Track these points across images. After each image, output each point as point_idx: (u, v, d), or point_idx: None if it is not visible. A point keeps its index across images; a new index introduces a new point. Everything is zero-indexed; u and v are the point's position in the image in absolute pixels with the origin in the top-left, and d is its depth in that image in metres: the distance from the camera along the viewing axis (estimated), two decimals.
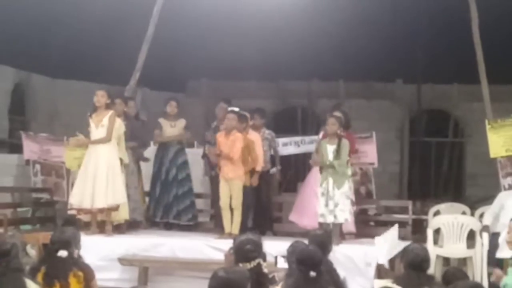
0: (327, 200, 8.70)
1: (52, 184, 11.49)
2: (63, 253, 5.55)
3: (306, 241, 5.79)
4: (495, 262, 7.70)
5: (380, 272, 8.14)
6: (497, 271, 6.02)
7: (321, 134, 9.73)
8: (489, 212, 8.98)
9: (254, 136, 9.58)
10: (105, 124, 8.92)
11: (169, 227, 10.23)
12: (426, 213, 10.64)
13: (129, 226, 9.58)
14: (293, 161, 14.74)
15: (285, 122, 16.03)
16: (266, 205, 10.08)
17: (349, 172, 9.00)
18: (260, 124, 10.12)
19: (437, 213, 10.13)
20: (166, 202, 10.16)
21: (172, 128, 10.19)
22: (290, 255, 5.19)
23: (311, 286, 4.69)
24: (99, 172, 8.84)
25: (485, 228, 8.80)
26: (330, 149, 8.84)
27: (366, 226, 10.55)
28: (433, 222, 9.38)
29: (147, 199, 10.31)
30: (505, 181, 9.80)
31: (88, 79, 13.93)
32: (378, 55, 13.64)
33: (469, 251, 8.96)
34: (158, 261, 8.56)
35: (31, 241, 9.32)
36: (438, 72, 14.58)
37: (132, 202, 9.40)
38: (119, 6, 11.79)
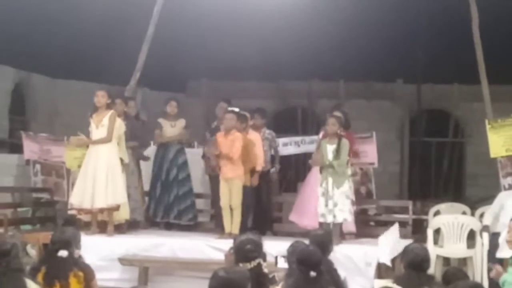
0: (326, 200, 8.70)
1: (52, 184, 11.49)
2: (63, 253, 5.56)
3: (306, 241, 5.79)
4: (495, 262, 7.70)
5: (380, 272, 8.14)
6: (497, 266, 6.01)
7: (321, 134, 9.74)
8: (489, 212, 8.97)
9: (254, 136, 9.58)
10: (106, 124, 8.92)
11: (169, 227, 10.23)
12: (426, 213, 10.63)
13: (129, 226, 9.59)
14: (293, 161, 14.75)
15: (285, 122, 16.03)
16: (266, 205, 10.08)
17: (349, 171, 9.01)
18: (261, 124, 10.12)
19: (437, 213, 10.13)
20: (166, 202, 10.16)
21: (172, 128, 10.19)
22: (290, 255, 5.19)
23: (311, 286, 4.69)
24: (99, 172, 8.84)
25: (485, 228, 8.80)
26: (330, 149, 8.84)
27: (366, 226, 10.56)
28: (433, 222, 9.38)
29: (146, 199, 10.31)
30: (505, 181, 9.80)
31: (88, 79, 13.93)
32: (378, 55, 13.64)
33: (469, 251, 8.96)
34: (158, 261, 8.56)
35: (31, 241, 9.33)
36: (438, 72, 14.57)
37: (132, 202, 9.41)
38: (119, 6, 11.78)
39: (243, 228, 8.79)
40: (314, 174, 9.26)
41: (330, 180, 8.74)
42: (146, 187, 10.31)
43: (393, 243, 8.22)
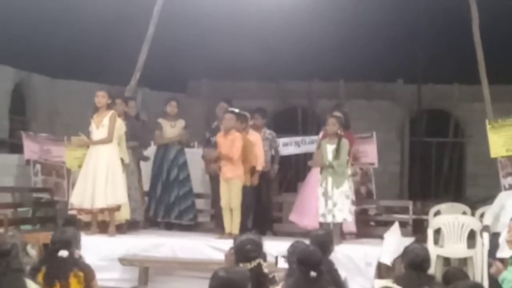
0: (326, 200, 8.71)
1: (52, 184, 11.48)
2: (63, 253, 5.56)
3: (306, 241, 5.79)
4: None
5: (381, 272, 8.14)
6: (498, 263, 6.01)
7: (321, 134, 9.74)
8: (489, 212, 8.97)
9: (255, 136, 9.58)
10: (106, 124, 8.92)
11: (169, 227, 10.24)
12: (426, 213, 10.63)
13: (130, 226, 9.59)
14: (293, 161, 14.74)
15: (285, 122, 16.03)
16: (266, 205, 10.08)
17: (349, 171, 9.01)
18: (261, 124, 10.12)
19: (437, 213, 10.12)
20: (167, 202, 10.17)
21: (172, 129, 10.20)
22: (291, 255, 5.19)
23: (311, 286, 4.69)
24: (99, 173, 8.84)
25: (485, 228, 8.79)
26: (329, 148, 8.85)
27: (367, 226, 10.56)
28: (434, 222, 9.37)
29: (146, 199, 10.31)
30: (505, 181, 9.80)
31: (88, 79, 13.93)
32: (379, 55, 13.63)
33: (469, 251, 8.95)
34: (159, 261, 8.56)
35: (31, 241, 9.33)
36: (439, 72, 14.57)
37: (132, 202, 9.41)
38: (119, 6, 11.78)
39: (243, 228, 8.79)
40: (314, 174, 9.26)
41: (329, 180, 8.75)
42: (146, 187, 10.32)
43: (396, 242, 8.21)
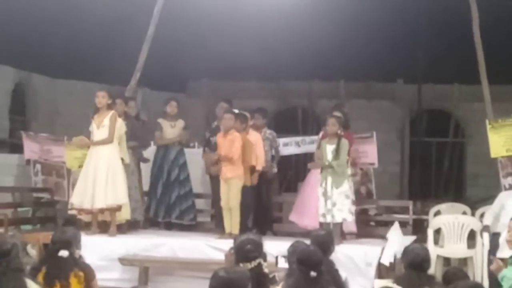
0: (326, 200, 8.71)
1: (52, 184, 11.48)
2: (64, 253, 5.56)
3: (307, 241, 5.78)
4: None
5: (381, 272, 8.14)
6: (498, 260, 6.02)
7: (320, 134, 9.74)
8: (489, 212, 8.97)
9: (255, 136, 9.58)
10: (107, 125, 8.92)
11: (169, 227, 10.24)
12: (426, 213, 10.63)
13: (130, 226, 9.58)
14: (293, 161, 14.74)
15: (285, 122, 16.03)
16: (266, 205, 10.08)
17: (349, 171, 9.01)
18: (262, 124, 10.12)
19: (437, 213, 10.12)
20: (168, 202, 10.17)
21: (172, 129, 10.21)
22: (291, 255, 5.19)
23: (311, 286, 4.69)
24: (99, 173, 8.84)
25: (485, 228, 8.79)
26: (329, 149, 8.86)
27: (367, 226, 10.55)
28: (434, 222, 9.37)
29: (145, 199, 10.31)
30: (505, 181, 9.79)
31: (88, 79, 13.94)
32: (379, 55, 13.64)
33: (469, 251, 8.95)
34: (159, 261, 8.56)
35: (31, 241, 9.33)
36: (439, 72, 14.57)
37: (132, 202, 9.40)
38: (120, 6, 11.78)
39: (243, 228, 8.79)
40: (314, 174, 9.26)
41: (329, 180, 8.75)
42: (145, 187, 10.32)
43: (398, 243, 8.21)
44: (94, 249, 8.19)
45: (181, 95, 13.74)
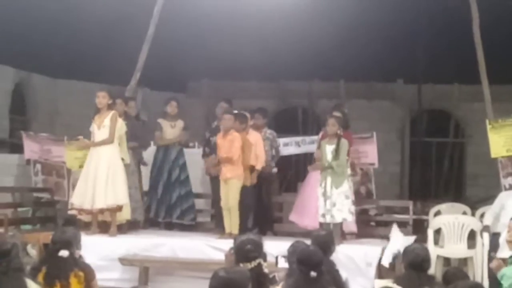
0: (325, 200, 8.71)
1: (52, 184, 11.48)
2: (64, 253, 5.56)
3: (307, 241, 5.78)
4: None
5: (381, 272, 8.14)
6: (498, 258, 6.02)
7: (320, 135, 9.74)
8: (489, 212, 8.97)
9: (255, 136, 9.58)
10: (107, 125, 8.92)
11: (170, 227, 10.24)
12: (426, 213, 10.63)
13: (130, 226, 9.59)
14: (293, 161, 14.74)
15: (285, 122, 16.02)
16: (267, 205, 10.08)
17: (348, 171, 9.01)
18: (262, 123, 10.12)
19: (437, 213, 10.12)
20: (168, 202, 10.18)
21: (172, 129, 10.21)
22: (291, 255, 5.18)
23: (311, 286, 4.69)
24: (99, 173, 8.84)
25: (485, 228, 8.79)
26: (329, 149, 8.86)
27: (367, 226, 10.55)
28: (434, 222, 9.38)
29: (145, 199, 10.31)
30: (505, 181, 9.79)
31: (88, 79, 13.94)
32: (379, 55, 13.63)
33: (469, 251, 8.95)
34: (159, 261, 8.56)
35: (31, 241, 9.34)
36: (439, 72, 14.57)
37: (133, 202, 9.40)
38: (120, 6, 11.78)
39: (244, 228, 8.80)
40: (314, 174, 9.26)
41: (329, 180, 8.75)
42: (145, 187, 10.32)
43: (400, 244, 8.20)
44: (94, 249, 8.19)
45: (181, 95, 13.74)
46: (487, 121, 9.90)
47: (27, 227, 10.45)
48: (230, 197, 9.01)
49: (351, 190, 8.92)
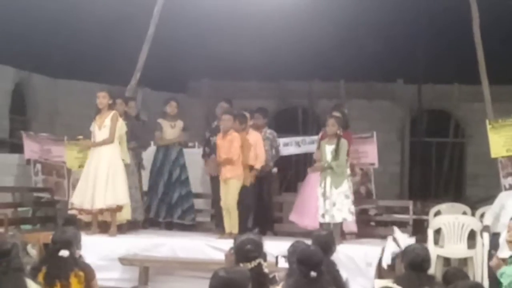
0: (325, 200, 8.71)
1: (53, 184, 11.49)
2: (64, 253, 5.56)
3: (307, 241, 5.78)
4: None
5: (381, 272, 8.14)
6: (498, 256, 6.03)
7: (320, 135, 9.74)
8: (489, 212, 8.97)
9: (255, 136, 9.58)
10: (108, 125, 8.92)
11: (170, 227, 10.24)
12: (426, 213, 10.63)
13: (130, 226, 9.59)
14: (294, 161, 14.74)
15: (285, 122, 16.03)
16: (267, 205, 10.09)
17: (348, 171, 9.01)
18: (263, 123, 10.12)
19: (437, 213, 10.12)
20: (169, 202, 10.19)
21: (172, 129, 10.22)
22: (291, 255, 5.18)
23: (311, 286, 4.69)
24: (99, 173, 8.84)
25: (485, 228, 8.79)
26: (328, 149, 8.86)
27: (367, 226, 10.55)
28: (434, 222, 9.38)
29: (145, 199, 10.31)
30: (505, 181, 9.79)
31: (88, 79, 13.94)
32: (379, 55, 13.64)
33: (469, 251, 8.95)
34: (159, 261, 8.56)
35: (31, 240, 9.33)
36: (439, 72, 14.57)
37: (133, 202, 9.40)
38: (120, 6, 11.78)
39: (244, 228, 8.80)
40: (314, 174, 9.25)
41: (328, 180, 8.75)
42: (144, 187, 10.31)
43: (403, 243, 8.20)
44: (94, 249, 8.19)
45: (181, 95, 13.74)
46: (487, 121, 9.90)
47: (27, 227, 10.45)
48: (229, 196, 9.02)
49: (350, 190, 8.92)
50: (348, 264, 7.93)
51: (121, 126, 9.06)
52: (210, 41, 13.48)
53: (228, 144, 9.05)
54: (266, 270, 4.77)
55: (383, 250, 8.41)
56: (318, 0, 11.89)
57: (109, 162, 8.88)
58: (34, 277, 5.30)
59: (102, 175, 8.82)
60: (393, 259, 8.19)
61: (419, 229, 10.45)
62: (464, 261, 9.09)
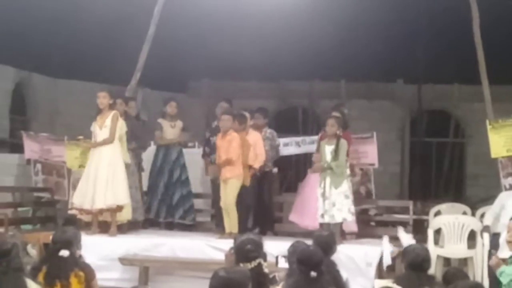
0: (324, 200, 8.71)
1: (53, 184, 11.49)
2: (64, 252, 5.56)
3: (307, 241, 5.78)
4: None
5: (381, 272, 8.14)
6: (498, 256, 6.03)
7: (319, 135, 9.74)
8: (489, 212, 8.97)
9: (255, 136, 9.58)
10: (108, 125, 8.92)
11: (170, 227, 10.24)
12: (427, 213, 10.63)
13: (130, 226, 9.59)
14: (294, 161, 14.75)
15: (286, 122, 16.03)
16: (267, 205, 10.09)
17: (348, 171, 9.01)
18: (263, 123, 10.12)
19: (438, 213, 10.12)
20: (170, 202, 10.18)
21: (172, 129, 10.22)
22: (291, 255, 5.19)
23: (311, 286, 4.69)
24: (100, 173, 8.85)
25: (485, 229, 8.79)
26: (328, 149, 8.86)
27: (367, 226, 10.55)
28: (434, 222, 9.38)
29: (145, 199, 10.32)
30: (506, 181, 9.79)
31: (89, 79, 13.94)
32: (379, 55, 13.64)
33: (469, 251, 8.95)
34: (159, 261, 8.57)
35: (31, 240, 9.33)
36: (439, 72, 14.57)
37: (133, 202, 9.40)
38: (120, 6, 11.79)
39: (244, 228, 8.80)
40: (314, 174, 9.25)
41: (328, 180, 8.75)
42: (144, 188, 10.32)
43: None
44: (94, 249, 8.19)
45: (181, 95, 13.76)
46: (487, 121, 9.90)
47: (27, 227, 10.45)
48: (228, 195, 9.02)
49: (350, 190, 8.92)
50: (348, 264, 7.92)
51: (122, 126, 9.06)
52: (210, 41, 13.48)
53: (227, 144, 9.05)
54: (266, 270, 4.77)
55: (382, 251, 8.40)
56: (318, 0, 11.90)
57: (110, 162, 8.88)
58: (34, 277, 5.30)
59: (103, 175, 8.82)
60: (393, 258, 8.20)
61: (419, 229, 10.45)
62: (464, 261, 9.09)
